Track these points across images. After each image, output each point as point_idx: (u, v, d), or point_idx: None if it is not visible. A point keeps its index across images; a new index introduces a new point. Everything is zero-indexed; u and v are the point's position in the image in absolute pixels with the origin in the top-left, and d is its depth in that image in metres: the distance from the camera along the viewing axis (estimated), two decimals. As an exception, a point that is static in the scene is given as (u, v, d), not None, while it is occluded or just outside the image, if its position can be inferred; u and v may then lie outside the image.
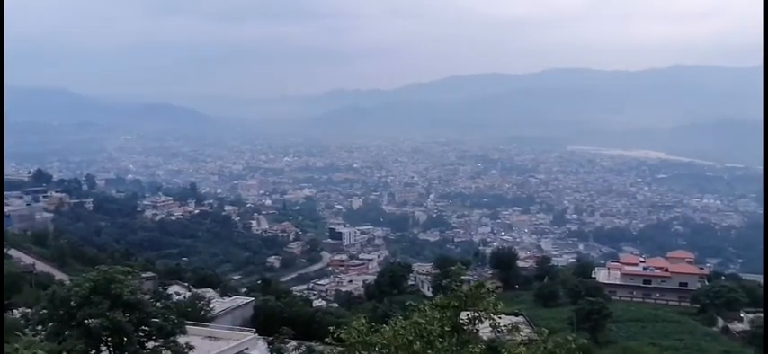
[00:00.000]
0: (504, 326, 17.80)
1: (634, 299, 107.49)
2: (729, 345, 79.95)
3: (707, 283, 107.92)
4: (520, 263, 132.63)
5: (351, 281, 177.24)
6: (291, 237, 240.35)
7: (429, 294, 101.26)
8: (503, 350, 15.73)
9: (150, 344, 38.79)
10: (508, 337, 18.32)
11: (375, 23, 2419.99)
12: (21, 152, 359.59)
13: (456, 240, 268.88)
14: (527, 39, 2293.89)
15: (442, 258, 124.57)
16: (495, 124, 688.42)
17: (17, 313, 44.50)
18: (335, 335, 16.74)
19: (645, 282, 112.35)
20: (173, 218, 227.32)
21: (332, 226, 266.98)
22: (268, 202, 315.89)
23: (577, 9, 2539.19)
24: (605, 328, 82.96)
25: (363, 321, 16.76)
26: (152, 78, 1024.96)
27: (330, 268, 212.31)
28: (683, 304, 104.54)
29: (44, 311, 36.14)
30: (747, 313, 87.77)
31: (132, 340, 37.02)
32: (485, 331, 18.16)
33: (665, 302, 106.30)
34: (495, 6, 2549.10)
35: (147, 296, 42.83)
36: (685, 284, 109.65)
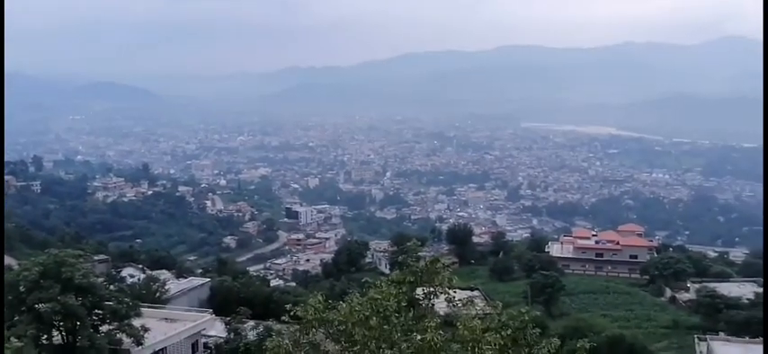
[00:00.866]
0: (459, 300, 18.10)
1: (586, 272, 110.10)
2: (677, 314, 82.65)
3: (656, 255, 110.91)
4: (475, 239, 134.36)
5: (308, 260, 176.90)
6: (247, 217, 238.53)
7: (386, 271, 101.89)
8: (458, 324, 16.01)
9: (104, 328, 38.33)
10: (464, 311, 18.62)
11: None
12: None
13: (413, 217, 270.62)
14: (482, 16, 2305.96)
15: (399, 235, 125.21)
16: (451, 101, 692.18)
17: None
18: (292, 313, 16.80)
19: (597, 255, 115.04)
20: (125, 200, 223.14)
21: (288, 206, 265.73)
22: (223, 182, 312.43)
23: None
24: (559, 300, 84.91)
25: (320, 298, 16.85)
26: (101, 57, 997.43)
27: (287, 247, 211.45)
28: (633, 275, 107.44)
29: (-8, 297, 35.28)
30: (693, 282, 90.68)
31: (85, 324, 36.51)
32: (441, 306, 18.46)
33: (616, 274, 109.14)
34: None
35: (100, 280, 42.19)
36: (635, 256, 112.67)
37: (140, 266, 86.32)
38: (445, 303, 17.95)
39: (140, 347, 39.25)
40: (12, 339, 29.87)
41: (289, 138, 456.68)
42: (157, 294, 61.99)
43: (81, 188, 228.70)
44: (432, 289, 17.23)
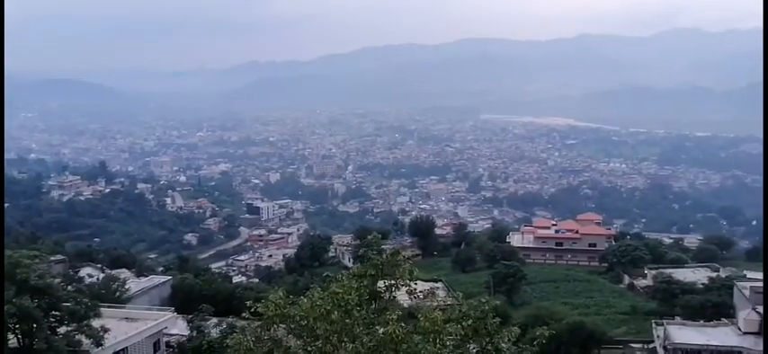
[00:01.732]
0: (421, 292, 18.26)
1: (547, 261, 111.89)
2: (635, 300, 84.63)
3: (614, 243, 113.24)
4: (438, 231, 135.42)
5: (271, 256, 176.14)
6: (208, 213, 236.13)
7: (350, 265, 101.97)
8: (419, 316, 16.17)
9: (62, 329, 37.64)
10: (426, 302, 18.81)
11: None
12: None
13: (375, 210, 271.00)
14: (442, 10, 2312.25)
15: (362, 229, 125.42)
16: (412, 95, 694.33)
17: None
18: (253, 309, 16.75)
19: (557, 244, 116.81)
20: (82, 198, 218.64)
21: (249, 201, 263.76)
22: (182, 178, 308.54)
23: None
24: (520, 290, 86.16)
25: (281, 294, 16.84)
26: (54, 52, 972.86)
27: (249, 243, 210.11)
28: (592, 263, 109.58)
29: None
30: (650, 269, 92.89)
31: (42, 326, 35.79)
32: (403, 298, 18.61)
33: (575, 262, 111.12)
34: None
35: (57, 280, 41.32)
36: (594, 245, 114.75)
37: (99, 265, 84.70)
38: (407, 295, 18.09)
39: (100, 348, 38.63)
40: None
41: (249, 133, 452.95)
42: (117, 293, 61.06)
43: (35, 187, 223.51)
44: (393, 282, 17.34)
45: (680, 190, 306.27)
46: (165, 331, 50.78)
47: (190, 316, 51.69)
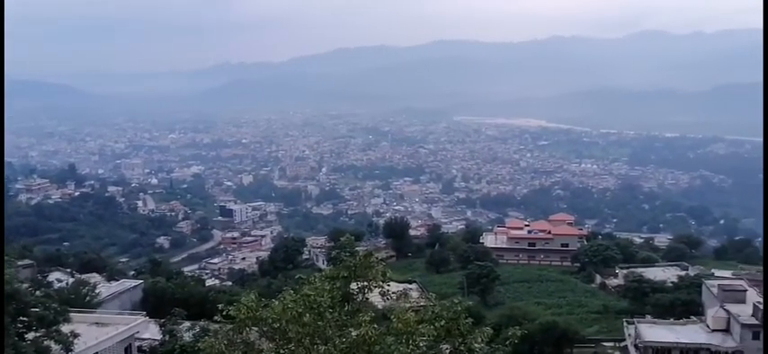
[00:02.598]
0: (393, 293, 18.29)
1: (520, 261, 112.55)
2: (606, 299, 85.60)
3: (586, 243, 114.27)
4: (412, 232, 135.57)
5: (244, 258, 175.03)
6: (180, 216, 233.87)
7: (324, 267, 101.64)
8: (392, 317, 16.19)
9: (30, 335, 36.93)
10: (399, 304, 18.83)
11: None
12: None
13: (349, 212, 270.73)
14: (415, 11, 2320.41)
15: (336, 231, 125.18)
16: (385, 96, 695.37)
17: None
18: (225, 312, 16.64)
19: (530, 245, 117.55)
20: (50, 202, 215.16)
21: (222, 204, 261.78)
22: (154, 181, 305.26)
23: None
24: (494, 290, 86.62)
25: (253, 297, 16.74)
26: (23, 53, 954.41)
27: (222, 246, 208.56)
28: (564, 263, 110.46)
29: None
30: (621, 268, 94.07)
31: (9, 332, 35.09)
32: (377, 299, 18.61)
33: (548, 262, 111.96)
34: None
35: (25, 286, 40.63)
36: (566, 245, 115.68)
37: (68, 270, 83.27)
38: (380, 296, 18.11)
39: (70, 353, 38.03)
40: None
41: (221, 135, 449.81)
42: (87, 298, 60.20)
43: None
44: (365, 284, 17.34)
45: (650, 190, 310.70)
46: (136, 335, 50.17)
47: (162, 320, 51.15)
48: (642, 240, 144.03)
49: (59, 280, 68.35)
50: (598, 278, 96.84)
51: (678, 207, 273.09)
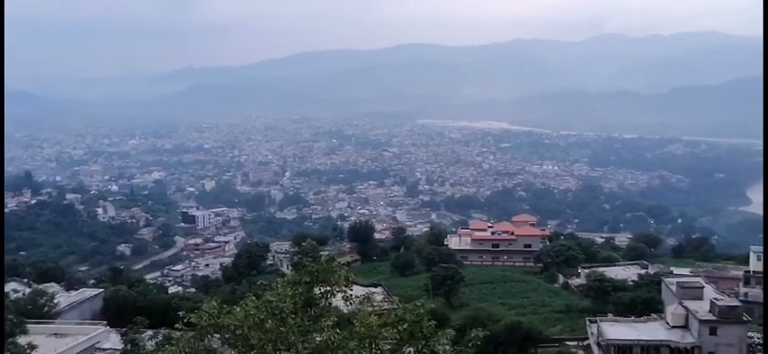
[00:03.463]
0: (357, 297, 18.27)
1: (484, 263, 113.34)
2: (569, 298, 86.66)
3: (548, 243, 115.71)
4: (377, 235, 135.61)
5: (207, 265, 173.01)
6: (142, 223, 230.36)
7: (288, 272, 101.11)
8: (355, 321, 16.18)
9: (-15, 348, 36.06)
10: (365, 307, 18.81)
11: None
12: None
13: (314, 216, 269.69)
14: (377, 15, 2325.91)
15: (300, 235, 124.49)
16: (348, 100, 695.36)
17: None
18: (186, 320, 16.43)
19: (493, 246, 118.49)
20: (6, 210, 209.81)
21: (184, 210, 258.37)
22: (114, 188, 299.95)
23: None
24: (459, 292, 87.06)
25: (214, 304, 16.56)
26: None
27: (185, 252, 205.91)
28: (527, 264, 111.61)
29: None
30: (583, 268, 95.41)
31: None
32: (341, 303, 18.57)
33: (512, 263, 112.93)
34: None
35: (-20, 297, 39.63)
36: (529, 245, 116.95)
37: (25, 280, 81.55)
38: (343, 301, 18.08)
39: (27, 365, 37.21)
40: None
41: (183, 141, 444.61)
42: (45, 308, 59.01)
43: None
44: (329, 288, 17.29)
45: (610, 190, 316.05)
46: (97, 345, 49.35)
47: (124, 329, 50.40)
48: (603, 239, 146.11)
49: (16, 291, 66.90)
50: (561, 278, 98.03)
51: (637, 206, 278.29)
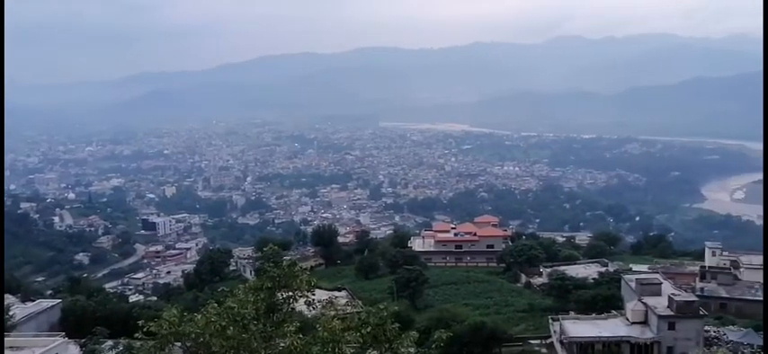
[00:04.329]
0: (320, 302, 18.19)
1: (448, 264, 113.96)
2: (532, 297, 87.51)
3: (510, 243, 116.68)
4: (341, 239, 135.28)
5: (169, 272, 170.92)
6: (100, 231, 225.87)
7: (252, 278, 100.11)
8: (318, 326, 16.11)
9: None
10: (330, 312, 18.74)
11: (179, 2, 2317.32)
12: None
13: (277, 221, 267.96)
14: (336, 18, 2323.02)
15: (263, 240, 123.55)
16: (310, 103, 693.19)
17: None
18: (146, 329, 16.14)
19: (456, 247, 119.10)
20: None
21: (145, 217, 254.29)
22: (71, 196, 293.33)
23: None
24: (423, 293, 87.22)
25: (175, 312, 16.31)
26: None
27: (145, 260, 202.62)
28: (490, 264, 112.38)
29: None
30: (545, 267, 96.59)
31: None
32: (305, 309, 18.46)
33: (475, 264, 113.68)
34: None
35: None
36: (492, 246, 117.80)
37: (-22, 292, 79.26)
38: (305, 306, 17.99)
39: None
40: None
41: (142, 146, 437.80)
42: (0, 321, 57.30)
43: None
44: (291, 293, 17.17)
45: (570, 190, 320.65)
46: (54, 357, 48.17)
47: (83, 340, 49.35)
48: (564, 238, 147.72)
49: (-32, 304, 64.87)
50: (523, 278, 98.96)
51: (597, 205, 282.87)
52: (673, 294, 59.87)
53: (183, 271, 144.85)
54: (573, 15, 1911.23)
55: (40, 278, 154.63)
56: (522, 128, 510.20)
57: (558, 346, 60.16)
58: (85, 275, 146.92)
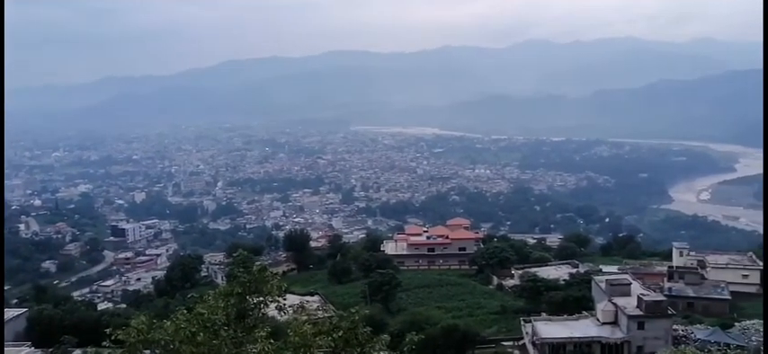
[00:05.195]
0: (291, 306, 18.06)
1: (420, 267, 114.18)
2: (504, 299, 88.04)
3: (482, 246, 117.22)
4: (313, 244, 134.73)
5: (139, 279, 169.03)
6: (68, 238, 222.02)
7: (223, 284, 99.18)
8: (289, 331, 15.99)
9: None
10: (301, 317, 18.61)
11: (143, 6, 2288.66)
12: None
13: (248, 226, 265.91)
14: (305, 23, 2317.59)
15: (235, 246, 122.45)
16: (280, 108, 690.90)
17: None
18: (114, 337, 15.85)
19: (429, 250, 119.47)
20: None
21: (113, 223, 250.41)
22: (37, 202, 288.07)
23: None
24: (396, 297, 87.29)
25: (143, 319, 16.06)
26: None
27: (115, 267, 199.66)
28: (463, 267, 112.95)
29: None
30: (517, 269, 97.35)
31: None
32: (275, 313, 18.33)
33: (447, 267, 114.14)
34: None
35: None
36: (464, 248, 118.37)
37: (-59, 302, 77.47)
38: (276, 311, 17.87)
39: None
40: None
41: (110, 152, 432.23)
42: (-37, 331, 56.01)
43: None
44: (262, 299, 17.03)
45: (540, 192, 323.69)
46: (20, 367, 47.19)
47: (50, 350, 48.46)
48: (535, 240, 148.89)
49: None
50: (495, 280, 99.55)
51: (567, 207, 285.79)
52: (642, 294, 60.79)
53: (153, 278, 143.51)
54: (540, 20, 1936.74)
55: (5, 287, 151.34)
56: (493, 131, 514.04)
57: (530, 347, 60.67)
58: (53, 283, 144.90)
